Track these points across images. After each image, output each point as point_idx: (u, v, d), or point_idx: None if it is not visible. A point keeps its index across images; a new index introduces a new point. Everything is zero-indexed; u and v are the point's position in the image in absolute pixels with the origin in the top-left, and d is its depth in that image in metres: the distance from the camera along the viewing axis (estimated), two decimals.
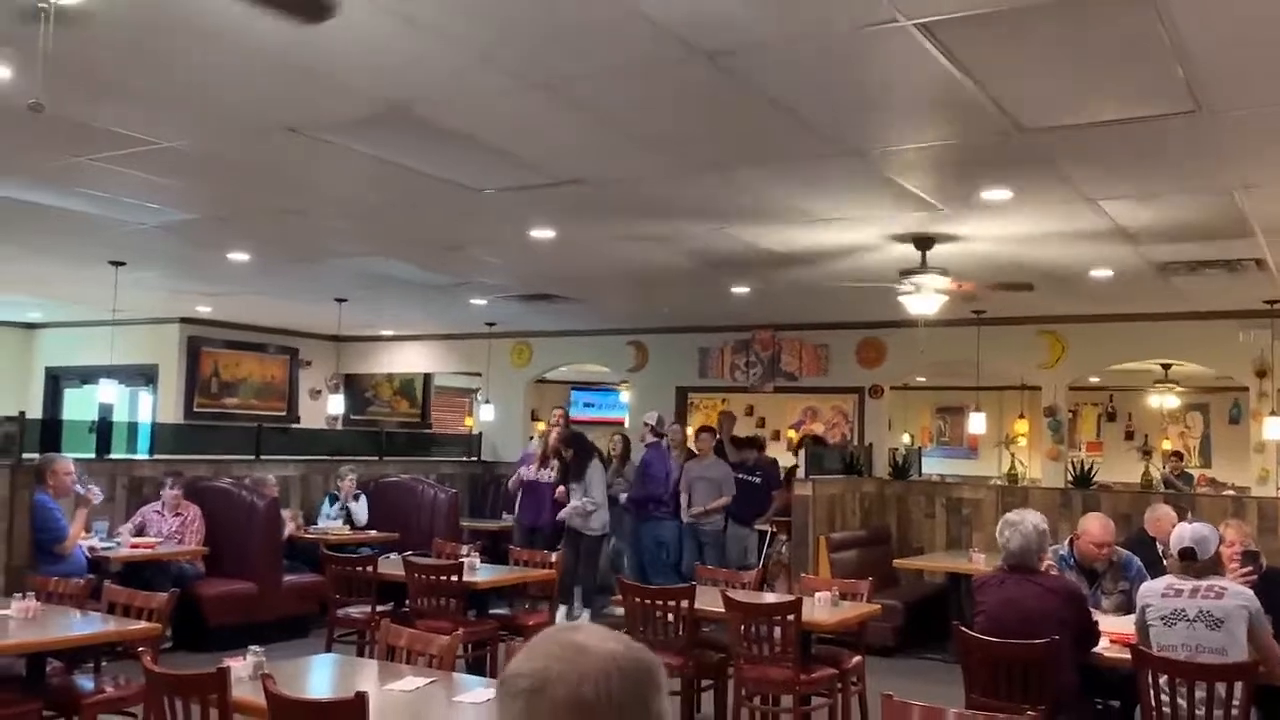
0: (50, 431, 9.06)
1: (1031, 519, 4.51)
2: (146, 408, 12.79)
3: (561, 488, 9.07)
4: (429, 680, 3.87)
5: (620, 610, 6.02)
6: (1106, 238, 6.56)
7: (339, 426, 13.38)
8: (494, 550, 9.19)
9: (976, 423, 11.02)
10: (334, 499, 9.63)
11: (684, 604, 5.65)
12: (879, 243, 6.87)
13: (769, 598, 6.62)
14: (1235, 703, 3.95)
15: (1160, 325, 9.54)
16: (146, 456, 9.32)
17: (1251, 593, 4.21)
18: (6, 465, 6.52)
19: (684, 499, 9.26)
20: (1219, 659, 4.04)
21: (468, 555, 7.11)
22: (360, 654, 6.47)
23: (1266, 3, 3.35)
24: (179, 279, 9.60)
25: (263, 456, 9.61)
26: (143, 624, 4.81)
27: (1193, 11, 3.36)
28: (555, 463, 9.28)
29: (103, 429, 8.97)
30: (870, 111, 4.46)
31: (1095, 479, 9.43)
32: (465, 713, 3.67)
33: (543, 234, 6.99)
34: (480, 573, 6.89)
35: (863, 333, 10.74)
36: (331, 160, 5.35)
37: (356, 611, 6.86)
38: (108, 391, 10.54)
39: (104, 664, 5.38)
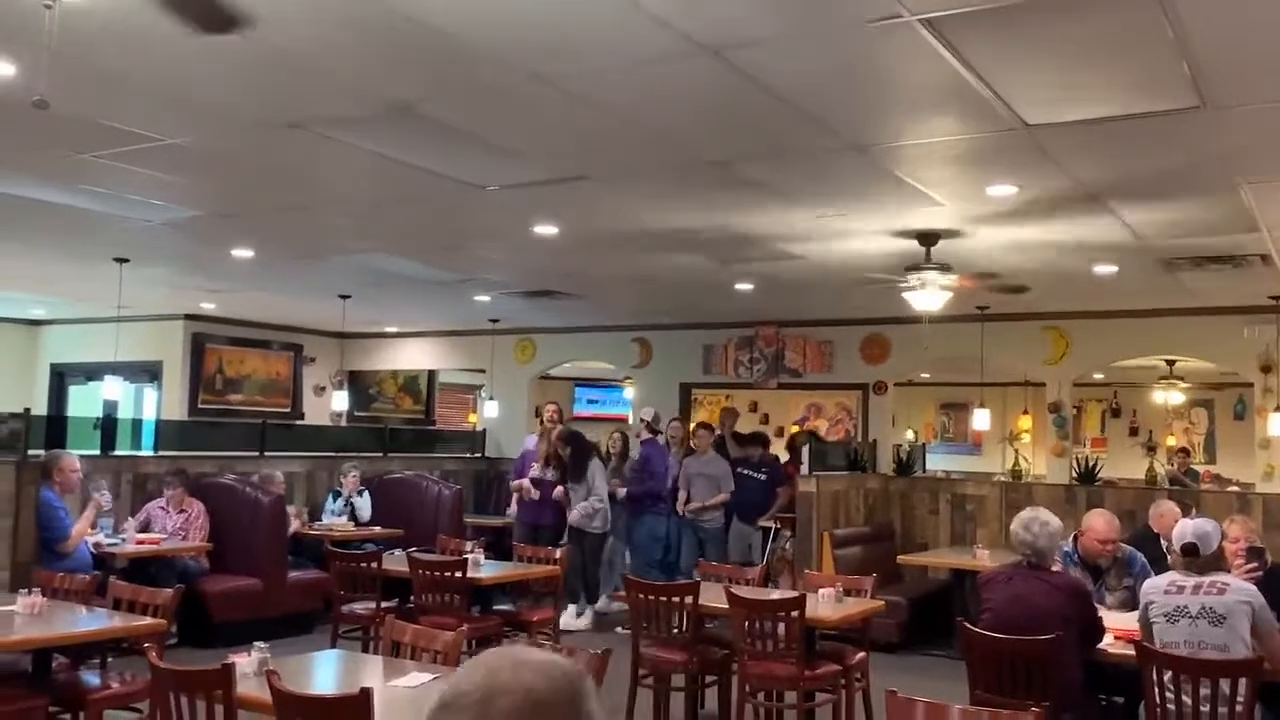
0: (55, 428, 9.06)
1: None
2: (151, 404, 12.82)
3: (560, 488, 9.03)
4: (433, 676, 3.88)
5: (617, 606, 6.02)
6: (1111, 234, 6.55)
7: (343, 423, 13.39)
8: (498, 546, 9.19)
9: (981, 419, 11.02)
10: (337, 495, 9.65)
11: (688, 600, 5.65)
12: (883, 238, 6.86)
13: (773, 594, 6.62)
14: (1240, 699, 3.95)
15: (1165, 321, 9.52)
16: (151, 453, 9.33)
17: (1255, 589, 4.20)
18: (12, 462, 6.53)
19: (682, 495, 9.23)
20: (1221, 656, 4.04)
21: (472, 551, 7.12)
22: (365, 650, 6.47)
23: None
24: (183, 276, 9.61)
25: (267, 453, 9.62)
26: (148, 620, 4.81)
27: (1197, 7, 3.35)
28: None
29: (107, 426, 8.97)
30: (875, 107, 4.45)
31: (1100, 475, 9.42)
32: None
33: (546, 230, 6.98)
34: (484, 569, 6.90)
35: (867, 329, 10.73)
36: (335, 157, 5.35)
37: (361, 608, 6.86)
38: (112, 388, 10.56)
39: (109, 660, 5.41)
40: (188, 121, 4.87)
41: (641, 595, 5.81)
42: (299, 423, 13.14)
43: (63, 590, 5.31)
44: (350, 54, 3.95)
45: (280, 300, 11.16)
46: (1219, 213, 5.97)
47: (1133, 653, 4.25)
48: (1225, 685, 3.97)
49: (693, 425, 10.10)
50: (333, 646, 6.41)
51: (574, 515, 8.78)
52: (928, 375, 14.79)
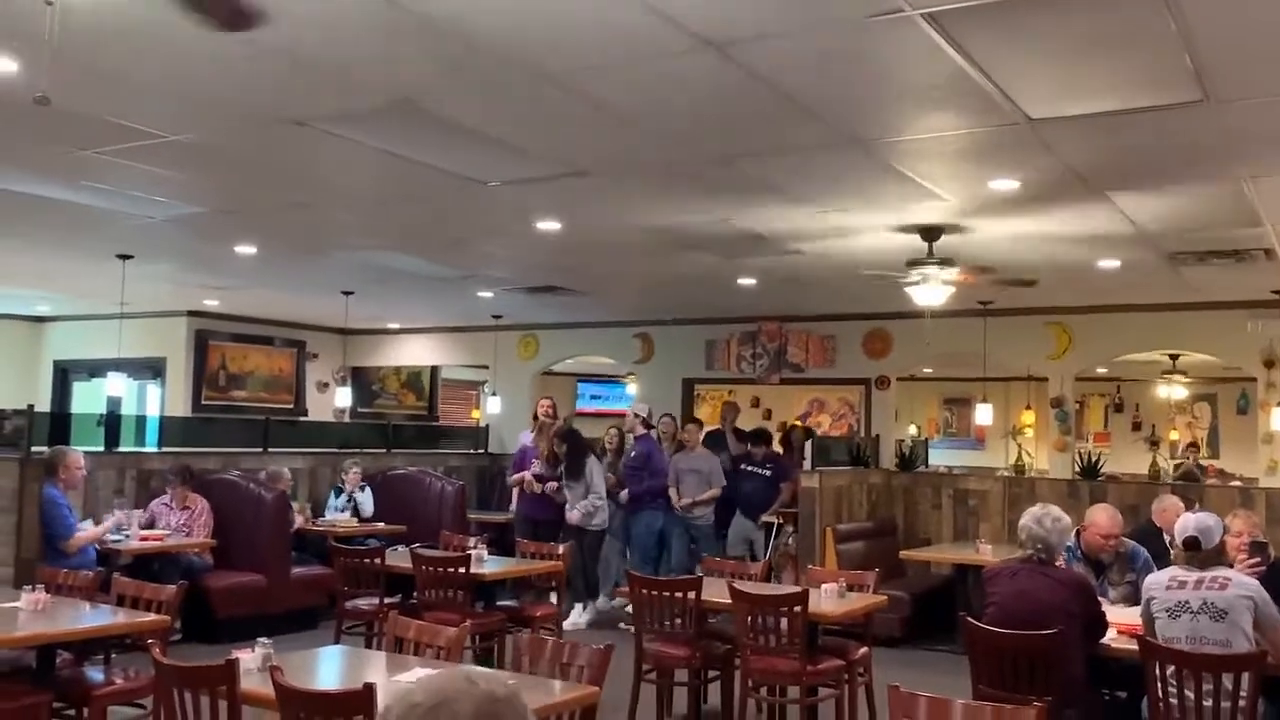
0: (59, 424, 9.09)
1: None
2: (154, 401, 12.83)
3: (554, 484, 8.99)
4: (437, 672, 3.88)
5: (618, 601, 6.01)
6: (1114, 228, 6.54)
7: (346, 419, 13.41)
8: (501, 542, 9.20)
9: (983, 414, 11.02)
10: (340, 491, 9.65)
11: (691, 595, 5.66)
12: (886, 233, 6.86)
13: (776, 589, 6.62)
14: (1243, 693, 3.95)
15: (1168, 316, 9.51)
16: (155, 449, 9.35)
17: (1257, 584, 4.19)
18: (15, 458, 6.54)
19: (673, 491, 9.19)
20: (1223, 650, 4.04)
21: (475, 547, 7.12)
22: (368, 646, 6.49)
23: None
24: (186, 272, 9.62)
25: (270, 449, 9.63)
26: (152, 616, 4.82)
27: (1199, 0, 3.35)
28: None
29: (111, 422, 8.98)
30: (877, 101, 4.45)
31: (1102, 470, 9.41)
32: None
33: (549, 226, 6.98)
34: (487, 564, 6.90)
35: (869, 324, 10.73)
36: (338, 153, 5.35)
37: (364, 603, 6.87)
38: (116, 385, 10.57)
39: (113, 656, 5.41)
40: (191, 118, 4.87)
41: (644, 590, 5.82)
42: (302, 419, 13.17)
43: (66, 586, 5.31)
44: (353, 50, 3.95)
45: (283, 297, 11.17)
46: (1222, 207, 5.96)
47: (1135, 648, 4.25)
48: (1228, 680, 3.97)
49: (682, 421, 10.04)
50: (336, 642, 6.43)
51: (574, 514, 8.75)
52: (930, 370, 14.78)
